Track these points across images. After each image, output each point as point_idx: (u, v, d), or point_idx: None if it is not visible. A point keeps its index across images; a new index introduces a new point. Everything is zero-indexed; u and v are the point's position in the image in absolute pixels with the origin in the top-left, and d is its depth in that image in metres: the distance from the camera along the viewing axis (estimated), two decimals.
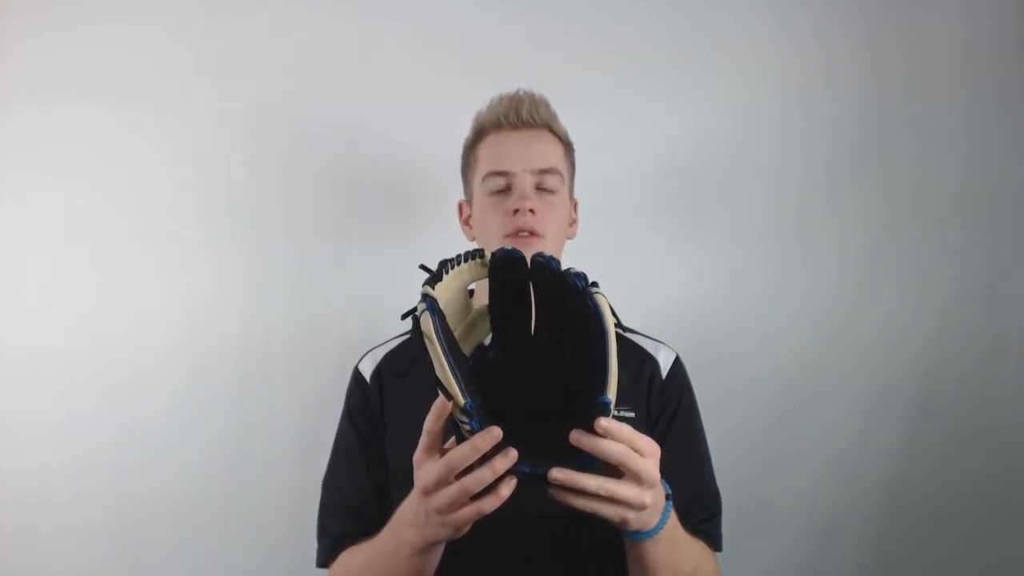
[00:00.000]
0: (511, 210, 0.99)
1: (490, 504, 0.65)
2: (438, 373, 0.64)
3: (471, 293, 0.92)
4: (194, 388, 1.33)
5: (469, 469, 0.64)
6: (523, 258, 0.75)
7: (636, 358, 1.03)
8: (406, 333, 1.07)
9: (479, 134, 1.07)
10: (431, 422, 0.68)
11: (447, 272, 0.75)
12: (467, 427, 0.64)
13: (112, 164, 1.34)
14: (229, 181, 1.36)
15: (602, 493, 0.64)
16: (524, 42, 1.39)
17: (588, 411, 0.63)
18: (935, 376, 1.38)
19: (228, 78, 1.36)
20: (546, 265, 0.73)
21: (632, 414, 0.96)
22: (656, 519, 0.72)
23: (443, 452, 0.68)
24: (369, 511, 0.92)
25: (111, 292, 1.33)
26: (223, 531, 1.32)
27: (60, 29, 1.33)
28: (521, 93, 1.06)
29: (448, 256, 0.77)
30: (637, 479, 0.65)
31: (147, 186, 1.35)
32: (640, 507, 0.66)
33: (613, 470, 0.65)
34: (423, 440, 0.69)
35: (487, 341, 0.82)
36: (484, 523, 0.67)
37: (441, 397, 0.65)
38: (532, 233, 0.99)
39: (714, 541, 0.94)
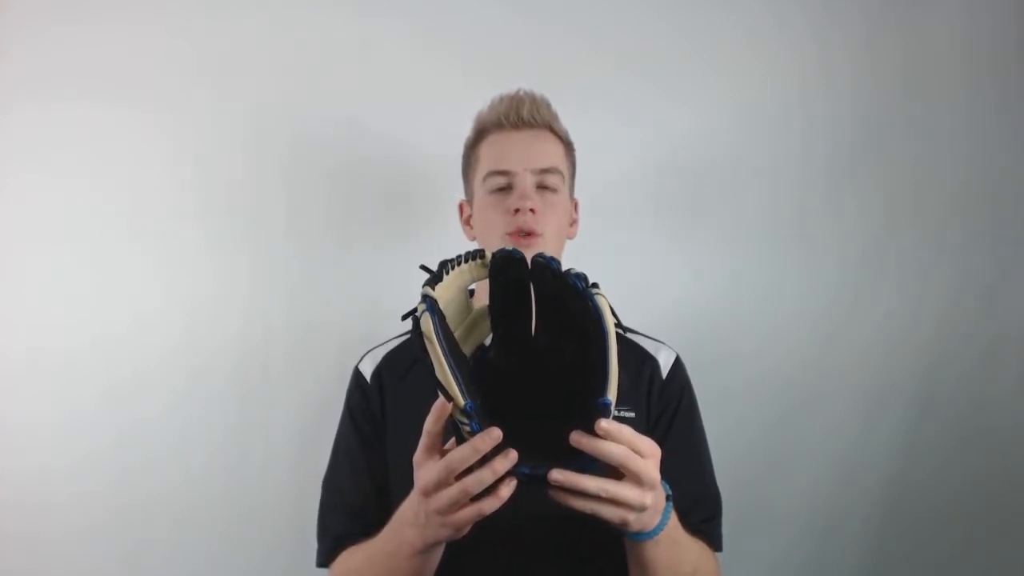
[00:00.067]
0: (512, 209, 1.00)
1: (490, 505, 0.65)
2: (438, 374, 0.64)
3: (471, 293, 0.92)
4: (194, 388, 1.33)
5: (469, 470, 0.64)
6: (524, 259, 0.75)
7: (636, 358, 1.03)
8: (406, 333, 1.07)
9: (480, 134, 1.07)
10: (431, 423, 0.68)
11: (447, 272, 0.75)
12: (467, 428, 0.63)
13: (112, 164, 1.34)
14: (229, 181, 1.36)
15: (602, 494, 0.64)
16: (524, 42, 1.39)
17: (588, 412, 0.63)
18: (935, 376, 1.38)
19: (228, 78, 1.36)
20: (547, 266, 0.73)
21: (632, 414, 0.96)
22: (656, 520, 0.71)
23: (443, 453, 0.68)
24: (369, 511, 0.92)
25: (111, 292, 1.33)
26: (223, 531, 1.32)
27: (60, 29, 1.33)
28: (522, 93, 1.06)
29: (448, 256, 0.77)
30: (637, 480, 0.65)
31: (147, 186, 1.35)
32: (640, 508, 0.66)
33: (613, 471, 0.65)
34: (423, 441, 0.69)
35: (487, 342, 0.81)
36: (484, 524, 0.67)
37: (441, 398, 0.65)
38: (532, 233, 0.99)
39: (714, 541, 0.94)
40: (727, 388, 1.32)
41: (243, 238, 1.36)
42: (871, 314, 1.40)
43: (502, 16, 1.39)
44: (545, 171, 1.03)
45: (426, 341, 0.65)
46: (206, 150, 1.36)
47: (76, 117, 1.32)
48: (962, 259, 1.39)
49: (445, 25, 1.39)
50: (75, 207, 1.33)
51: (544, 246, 0.99)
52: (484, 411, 0.64)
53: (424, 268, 0.76)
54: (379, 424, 0.99)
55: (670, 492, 0.74)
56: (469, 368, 0.74)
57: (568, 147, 1.09)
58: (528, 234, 0.99)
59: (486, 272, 0.77)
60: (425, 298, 0.69)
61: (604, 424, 0.62)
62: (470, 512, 0.65)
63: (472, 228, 1.10)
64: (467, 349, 0.80)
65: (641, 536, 0.72)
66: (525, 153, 1.03)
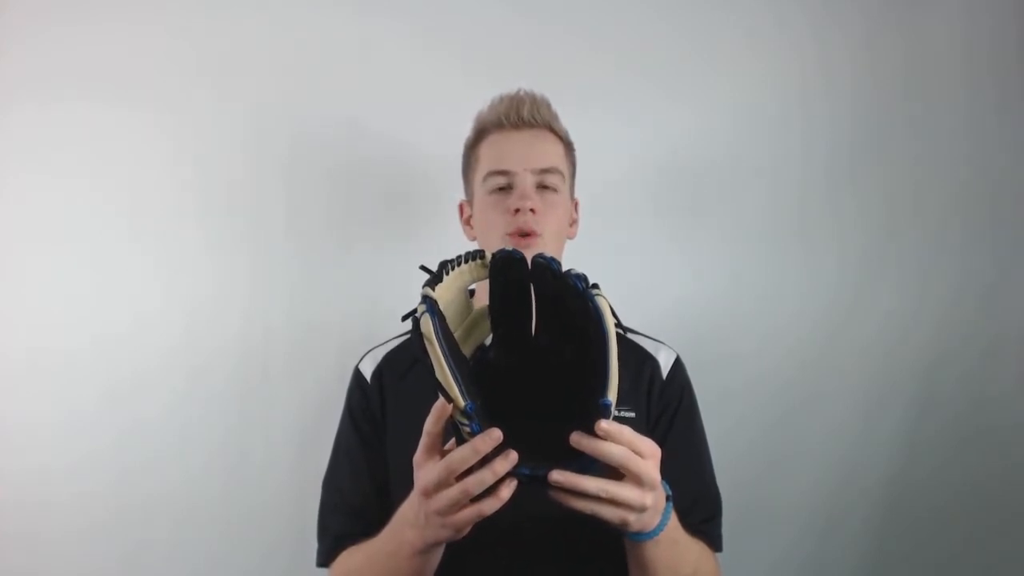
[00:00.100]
0: (512, 209, 1.00)
1: (490, 506, 0.65)
2: (438, 375, 0.64)
3: (472, 294, 0.92)
4: (194, 388, 1.33)
5: (470, 471, 0.64)
6: (524, 259, 0.74)
7: (636, 358, 1.03)
8: (407, 333, 1.07)
9: (480, 134, 1.07)
10: (431, 423, 0.68)
11: (447, 273, 0.75)
12: (467, 429, 0.63)
13: (112, 164, 1.34)
14: (229, 181, 1.36)
15: (602, 495, 0.64)
16: (524, 42, 1.39)
17: (588, 413, 0.62)
18: (935, 376, 1.38)
19: (228, 78, 1.36)
20: (547, 266, 0.73)
21: (632, 414, 0.96)
22: (656, 520, 0.71)
23: (443, 453, 0.68)
24: (369, 511, 0.92)
25: (111, 292, 1.33)
26: (223, 531, 1.32)
27: (60, 29, 1.32)
28: (522, 93, 1.06)
29: (448, 257, 0.77)
30: (638, 481, 0.65)
31: (147, 186, 1.35)
32: (641, 509, 0.66)
33: (613, 472, 0.65)
34: (423, 441, 0.69)
35: (487, 342, 0.81)
36: (484, 524, 0.67)
37: (441, 399, 0.65)
38: (532, 233, 0.99)
39: (714, 541, 0.95)
40: (727, 388, 1.32)
41: (243, 238, 1.36)
42: (871, 314, 1.40)
43: (502, 16, 1.39)
44: (545, 171, 1.03)
45: (426, 342, 0.65)
46: (206, 150, 1.36)
47: (76, 117, 1.32)
48: (962, 259, 1.39)
49: (445, 25, 1.39)
50: (75, 207, 1.33)
51: (544, 246, 0.99)
52: (484, 412, 0.64)
53: (424, 268, 0.76)
54: (379, 424, 0.99)
55: (670, 492, 0.74)
56: (469, 369, 0.74)
57: (568, 147, 1.09)
58: (528, 234, 0.99)
59: (486, 272, 0.77)
60: (425, 299, 0.69)
61: (604, 425, 0.62)
62: (470, 513, 0.65)
63: (472, 228, 1.10)
64: (467, 350, 0.80)
65: (641, 536, 0.73)
66: (525, 153, 1.03)
